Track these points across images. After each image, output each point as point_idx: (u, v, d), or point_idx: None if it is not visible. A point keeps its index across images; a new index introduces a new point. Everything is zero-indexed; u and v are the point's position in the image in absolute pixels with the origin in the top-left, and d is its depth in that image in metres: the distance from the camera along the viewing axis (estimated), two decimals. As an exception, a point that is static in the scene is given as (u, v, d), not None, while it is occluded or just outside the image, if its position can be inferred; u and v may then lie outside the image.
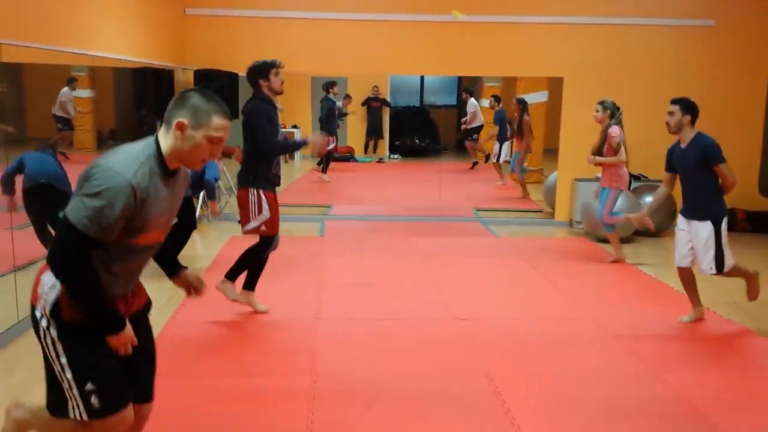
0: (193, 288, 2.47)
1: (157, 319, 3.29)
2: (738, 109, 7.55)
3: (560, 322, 4.67)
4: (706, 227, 4.39)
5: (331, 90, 11.04)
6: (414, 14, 7.78)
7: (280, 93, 4.46)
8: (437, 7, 7.75)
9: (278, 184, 4.56)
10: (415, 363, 3.91)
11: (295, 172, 10.04)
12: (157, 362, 2.38)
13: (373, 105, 14.43)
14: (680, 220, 4.62)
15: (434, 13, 7.76)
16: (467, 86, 13.88)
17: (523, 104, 10.00)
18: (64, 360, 2.04)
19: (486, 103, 12.55)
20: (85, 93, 8.05)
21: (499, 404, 3.37)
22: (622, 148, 5.95)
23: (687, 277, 4.63)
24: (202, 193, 7.38)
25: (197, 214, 7.36)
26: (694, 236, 4.47)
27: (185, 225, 5.45)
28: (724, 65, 7.70)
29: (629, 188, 6.47)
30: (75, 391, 2.05)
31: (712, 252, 4.38)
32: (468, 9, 7.72)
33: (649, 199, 7.25)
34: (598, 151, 6.08)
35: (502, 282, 5.66)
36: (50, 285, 2.04)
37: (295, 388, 3.53)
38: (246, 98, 4.51)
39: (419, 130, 15.95)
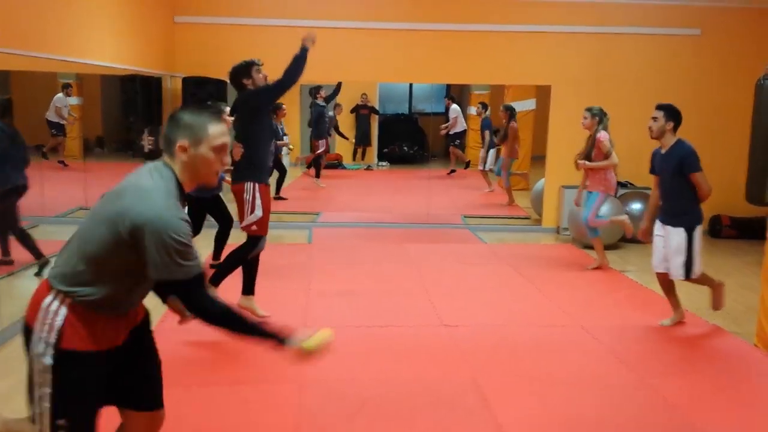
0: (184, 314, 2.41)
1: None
2: (724, 116, 7.64)
3: (547, 328, 4.69)
4: (679, 233, 4.45)
5: (318, 95, 11.07)
6: (403, 22, 7.82)
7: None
8: (426, 16, 7.80)
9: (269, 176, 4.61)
10: (403, 370, 3.92)
11: (286, 178, 10.03)
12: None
13: (361, 112, 14.46)
14: (657, 225, 4.68)
15: (423, 21, 7.81)
16: (451, 93, 13.97)
17: (510, 111, 10.07)
18: (47, 390, 2.00)
19: (473, 110, 12.61)
20: (73, 100, 8.03)
21: (486, 411, 3.38)
22: (613, 152, 6.00)
23: (665, 281, 4.68)
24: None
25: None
26: (668, 241, 4.52)
27: (225, 220, 5.68)
28: (710, 73, 7.79)
29: (616, 195, 6.52)
30: (46, 420, 2.02)
31: (681, 258, 4.44)
32: (457, 18, 7.78)
33: (635, 205, 7.34)
34: (586, 157, 6.13)
35: (490, 288, 5.68)
36: (54, 310, 2.00)
37: (282, 395, 3.52)
38: None
39: (408, 137, 15.99)
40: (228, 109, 6.12)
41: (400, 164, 15.12)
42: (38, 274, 5.30)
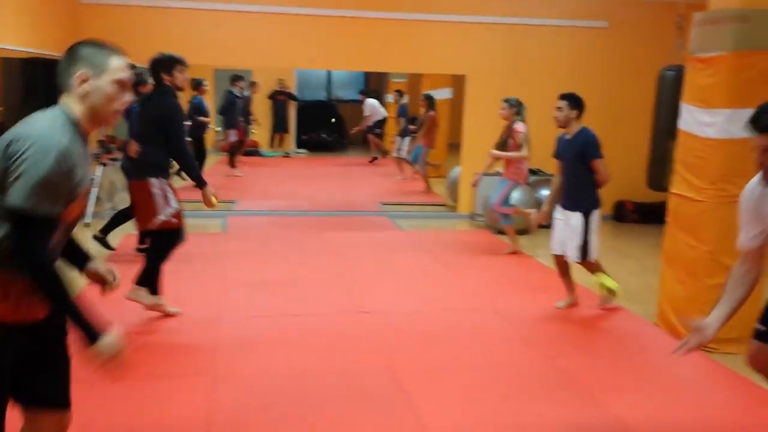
0: (106, 282, 2.21)
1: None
2: (629, 106, 7.96)
3: (462, 312, 4.77)
4: (576, 217, 4.62)
5: (236, 85, 10.78)
6: (321, 9, 7.71)
7: (182, 90, 4.31)
8: (345, 3, 7.73)
9: None
10: (319, 359, 3.88)
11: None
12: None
13: (278, 98, 14.24)
14: (557, 208, 4.84)
15: (341, 8, 7.73)
16: (366, 87, 13.99)
17: (429, 100, 10.15)
18: None
19: (391, 98, 12.67)
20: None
21: (402, 397, 3.40)
22: (525, 145, 6.13)
23: (561, 264, 4.85)
24: (95, 190, 7.04)
25: (92, 209, 7.02)
26: (566, 224, 4.69)
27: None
28: (617, 65, 8.10)
29: (527, 183, 6.70)
30: None
31: (577, 241, 4.61)
32: (375, 5, 7.75)
33: (545, 192, 7.55)
34: (503, 146, 6.25)
35: (407, 275, 5.71)
36: None
37: (195, 390, 3.42)
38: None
39: (326, 124, 15.89)
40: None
41: (318, 151, 15.01)
42: None
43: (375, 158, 13.38)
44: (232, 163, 11.05)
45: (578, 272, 4.95)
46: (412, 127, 10.92)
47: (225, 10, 7.63)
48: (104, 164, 7.02)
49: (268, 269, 5.71)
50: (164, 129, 4.18)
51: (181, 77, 4.24)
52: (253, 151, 14.11)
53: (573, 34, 8.08)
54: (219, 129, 10.82)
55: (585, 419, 3.24)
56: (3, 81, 7.92)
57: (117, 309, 4.36)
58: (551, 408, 3.33)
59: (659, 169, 5.45)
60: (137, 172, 4.31)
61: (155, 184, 4.19)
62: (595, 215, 4.64)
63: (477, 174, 6.73)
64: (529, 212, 6.40)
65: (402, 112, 11.64)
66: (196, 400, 3.31)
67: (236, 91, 10.75)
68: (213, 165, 11.64)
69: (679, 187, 4.37)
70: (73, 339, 1.94)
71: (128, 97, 1.99)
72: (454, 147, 9.63)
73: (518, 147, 6.14)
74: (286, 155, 14.33)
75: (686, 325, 2.54)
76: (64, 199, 1.84)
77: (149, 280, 4.31)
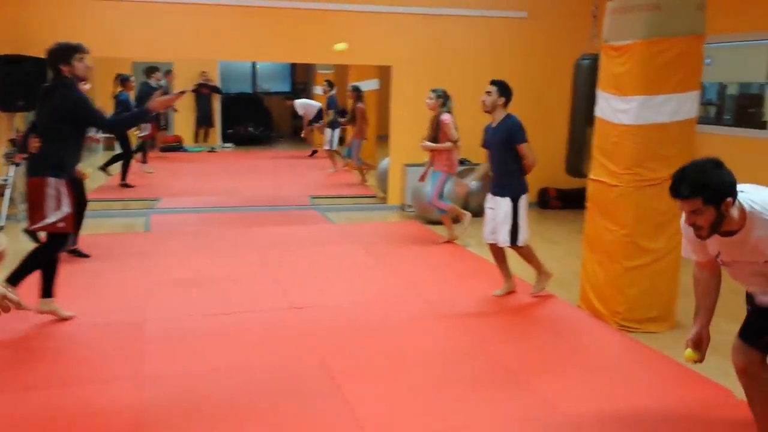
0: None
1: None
2: (549, 95, 8.17)
3: (394, 304, 4.79)
4: (505, 203, 4.73)
5: (152, 76, 10.46)
6: (242, -1, 7.57)
7: (84, 80, 4.14)
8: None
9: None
10: (250, 357, 3.82)
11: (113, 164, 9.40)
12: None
13: (202, 92, 13.90)
14: (488, 197, 4.94)
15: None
16: (292, 79, 13.83)
17: (357, 92, 10.12)
18: None
19: (319, 90, 12.58)
20: None
21: (335, 390, 3.39)
22: (456, 134, 6.20)
23: (497, 251, 4.95)
24: (7, 191, 6.71)
25: (5, 212, 6.69)
26: (497, 211, 4.80)
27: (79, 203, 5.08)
28: (536, 54, 8.29)
29: (456, 173, 6.78)
30: None
31: (508, 226, 4.73)
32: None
33: (473, 182, 7.68)
34: (433, 138, 6.29)
35: (338, 268, 5.69)
36: None
37: (118, 395, 3.30)
38: None
39: (253, 117, 15.62)
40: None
41: (245, 145, 14.75)
42: None
43: (315, 151, 13.29)
44: (143, 159, 10.70)
45: (510, 260, 5.04)
46: (341, 119, 10.87)
47: (144, 1, 7.37)
48: (17, 164, 6.69)
49: (195, 268, 5.57)
50: (70, 123, 4.01)
51: (81, 66, 4.07)
52: (177, 147, 13.74)
53: (494, 24, 8.21)
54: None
55: (515, 404, 3.31)
56: None
57: (32, 314, 4.20)
58: (483, 394, 3.39)
59: (577, 156, 5.62)
60: (35, 169, 4.09)
61: (51, 184, 4.00)
62: (524, 200, 4.76)
63: (424, 169, 6.65)
64: (466, 214, 6.49)
65: (331, 103, 11.57)
66: (122, 404, 3.20)
67: (152, 82, 10.45)
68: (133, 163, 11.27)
69: (597, 172, 4.52)
70: None
71: None
72: (383, 138, 9.66)
73: (447, 138, 6.21)
74: (212, 150, 14.02)
75: (688, 343, 2.78)
76: None
77: (19, 279, 4.14)
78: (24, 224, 5.55)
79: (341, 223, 7.61)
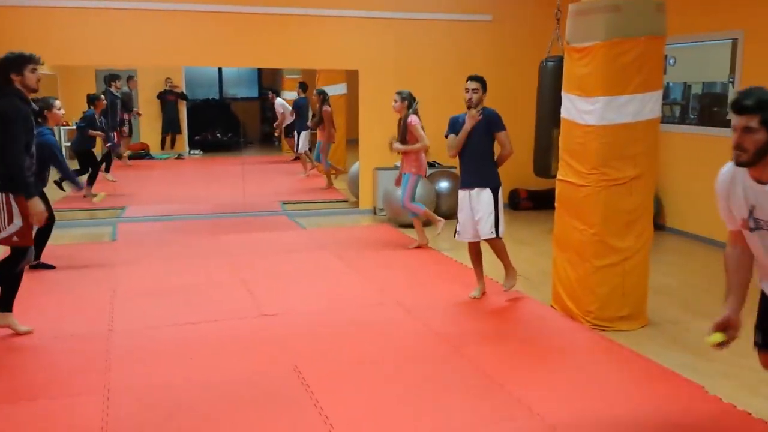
0: None
1: None
2: (515, 97, 8.20)
3: (366, 308, 4.76)
4: (487, 194, 4.76)
5: (113, 84, 10.32)
6: (209, 5, 7.49)
7: (35, 91, 4.01)
8: (231, -2, 7.54)
9: (42, 187, 4.18)
10: (220, 366, 3.76)
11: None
12: None
13: (168, 98, 13.70)
14: (462, 198, 4.92)
15: (230, 4, 7.53)
16: (272, 85, 13.69)
17: (323, 95, 10.09)
18: None
19: (292, 95, 12.47)
20: None
21: (307, 397, 3.35)
22: (424, 135, 6.19)
23: (476, 251, 4.97)
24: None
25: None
26: (476, 204, 4.80)
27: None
28: (501, 57, 8.34)
29: (426, 176, 6.78)
30: None
31: (492, 218, 4.76)
32: (264, 1, 7.60)
33: (443, 184, 7.72)
34: (401, 140, 6.28)
35: (309, 274, 5.65)
36: None
37: (87, 409, 3.22)
38: None
39: (220, 123, 15.46)
40: (57, 102, 5.52)
41: (213, 152, 14.57)
42: None
43: (297, 157, 13.20)
44: (107, 168, 10.53)
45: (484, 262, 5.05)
46: (308, 123, 10.83)
47: (106, 8, 7.25)
48: None
49: (162, 277, 5.48)
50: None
51: (32, 77, 3.96)
52: (144, 154, 13.52)
53: (459, 27, 8.25)
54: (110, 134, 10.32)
55: (490, 405, 3.31)
56: None
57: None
58: (458, 397, 3.38)
59: (545, 157, 5.67)
60: None
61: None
62: (500, 192, 4.81)
63: (398, 172, 6.62)
64: (439, 220, 6.48)
65: (298, 105, 11.50)
66: (89, 419, 3.12)
67: (113, 90, 10.32)
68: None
69: (564, 173, 4.56)
70: None
71: None
72: (353, 143, 9.62)
73: (415, 140, 6.21)
74: (179, 157, 13.82)
75: (712, 328, 2.49)
76: None
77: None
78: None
79: (312, 228, 7.56)
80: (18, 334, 4.12)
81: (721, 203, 2.52)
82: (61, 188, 8.89)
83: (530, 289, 5.21)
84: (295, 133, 11.19)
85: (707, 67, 6.79)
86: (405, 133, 6.23)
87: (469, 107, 4.79)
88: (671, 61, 7.10)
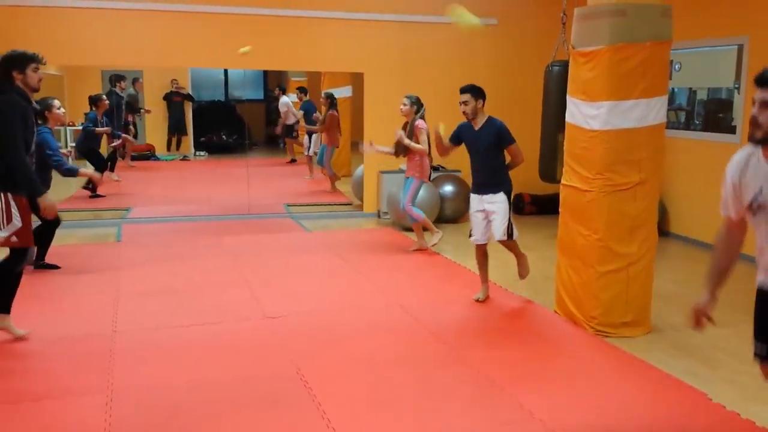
0: None
1: None
2: (521, 101, 8.20)
3: (369, 311, 4.76)
4: (501, 198, 4.80)
5: (118, 84, 10.36)
6: (215, 6, 7.51)
7: (36, 90, 4.01)
8: (239, 0, 7.54)
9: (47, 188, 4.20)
10: (224, 367, 3.77)
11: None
12: None
13: (174, 100, 13.75)
14: (474, 201, 4.94)
15: (237, 5, 7.55)
16: (279, 83, 13.68)
17: (330, 99, 10.08)
18: None
19: (294, 97, 12.49)
20: None
21: (309, 399, 3.35)
22: (427, 141, 6.20)
23: (483, 253, 4.99)
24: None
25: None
26: (491, 207, 4.83)
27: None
28: (507, 60, 8.34)
29: (430, 180, 6.78)
30: None
31: (506, 222, 4.80)
32: (269, 3, 7.61)
33: (448, 188, 7.71)
34: (398, 145, 6.28)
35: (313, 277, 5.65)
36: None
37: (88, 408, 3.23)
38: None
39: (226, 125, 15.49)
40: (56, 102, 5.53)
41: (218, 153, 14.61)
42: None
43: (294, 159, 13.20)
44: (111, 168, 10.56)
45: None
46: (314, 126, 10.83)
47: (113, 9, 7.28)
48: None
49: (167, 278, 5.50)
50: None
51: (34, 76, 3.95)
52: (149, 155, 13.56)
53: (464, 31, 8.23)
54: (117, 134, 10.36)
55: (492, 410, 3.30)
56: None
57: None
58: (460, 401, 3.38)
59: (550, 162, 5.65)
60: None
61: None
62: (510, 196, 4.86)
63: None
64: (438, 232, 6.47)
65: (305, 108, 11.51)
66: (92, 419, 3.12)
67: (118, 90, 10.36)
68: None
69: (569, 178, 4.55)
70: None
71: None
72: (357, 145, 9.63)
73: (418, 141, 6.21)
74: (185, 158, 13.86)
75: (690, 312, 2.54)
76: None
77: None
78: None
79: (316, 231, 7.56)
80: (16, 338, 4.08)
81: (727, 188, 2.46)
82: (92, 191, 8.89)
83: (533, 293, 5.20)
84: (306, 136, 11.18)
85: (713, 72, 6.77)
86: (411, 137, 6.24)
87: (467, 119, 4.85)
88: (676, 66, 7.08)
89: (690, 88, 7.11)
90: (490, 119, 4.83)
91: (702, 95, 6.98)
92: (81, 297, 4.96)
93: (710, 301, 2.53)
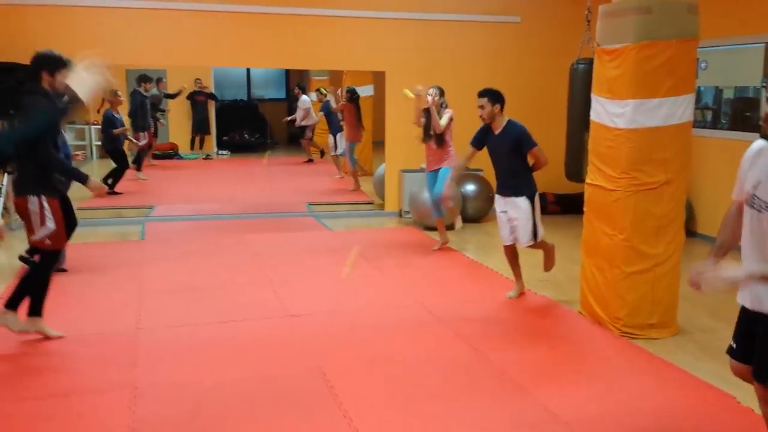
0: None
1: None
2: (545, 99, 8.14)
3: (391, 310, 4.75)
4: (523, 202, 4.78)
5: (142, 85, 10.47)
6: (238, 5, 7.54)
7: (60, 95, 4.05)
8: (261, -1, 7.59)
9: (66, 189, 4.22)
10: (246, 366, 3.78)
11: (104, 172, 9.33)
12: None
13: (197, 99, 13.88)
14: (498, 203, 4.94)
15: (257, 4, 7.57)
16: (299, 82, 13.73)
17: (351, 93, 10.06)
18: None
19: (314, 96, 12.54)
20: None
21: (331, 398, 3.35)
22: (445, 124, 6.12)
23: (512, 253, 4.99)
24: (2, 200, 6.65)
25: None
26: (514, 212, 4.82)
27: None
28: (530, 58, 8.27)
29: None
30: None
31: (530, 226, 4.79)
32: (292, 1, 7.63)
33: (470, 187, 7.67)
34: (426, 128, 6.22)
35: (334, 275, 5.65)
36: None
37: (113, 405, 3.26)
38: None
39: (248, 124, 15.60)
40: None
41: (241, 152, 14.72)
42: None
43: (311, 159, 13.24)
44: (138, 167, 10.68)
45: (501, 264, 5.01)
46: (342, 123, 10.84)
47: (136, 8, 7.35)
48: (10, 173, 6.64)
49: (190, 276, 5.53)
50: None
51: (60, 80, 3.94)
52: (173, 154, 13.70)
53: (487, 29, 8.20)
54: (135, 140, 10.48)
55: (515, 410, 3.27)
56: None
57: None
58: (482, 401, 3.36)
59: (576, 161, 5.58)
60: (18, 187, 4.02)
61: (32, 201, 3.90)
62: (537, 198, 4.84)
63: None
64: (459, 218, 6.50)
65: (325, 108, 11.54)
66: (116, 415, 3.15)
67: (142, 91, 10.47)
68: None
69: (594, 177, 4.49)
70: None
71: None
72: (379, 144, 9.62)
73: (450, 133, 6.18)
74: (208, 157, 13.98)
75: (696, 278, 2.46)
76: None
77: (17, 303, 4.04)
78: (18, 232, 5.51)
79: (338, 230, 7.57)
80: (48, 338, 4.12)
81: (740, 174, 2.54)
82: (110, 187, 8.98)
83: (557, 294, 5.15)
84: (330, 136, 11.19)
85: (739, 71, 6.66)
86: (430, 120, 6.17)
87: (484, 123, 4.85)
88: (702, 64, 6.97)
89: (716, 87, 6.99)
90: (510, 123, 4.80)
91: (728, 94, 6.87)
92: (105, 294, 5.01)
93: (712, 265, 2.49)
